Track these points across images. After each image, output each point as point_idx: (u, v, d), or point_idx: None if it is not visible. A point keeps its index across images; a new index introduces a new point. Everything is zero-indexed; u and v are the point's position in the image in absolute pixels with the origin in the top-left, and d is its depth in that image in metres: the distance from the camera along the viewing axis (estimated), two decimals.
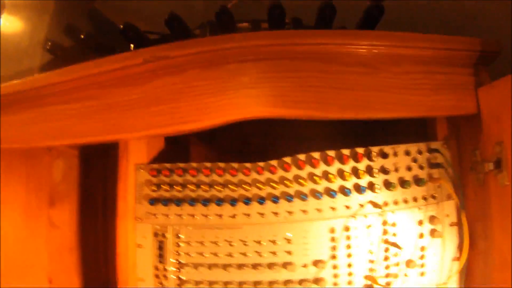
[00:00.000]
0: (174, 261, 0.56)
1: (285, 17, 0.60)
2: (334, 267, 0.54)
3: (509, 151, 0.46)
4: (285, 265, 0.54)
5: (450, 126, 0.56)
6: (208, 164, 0.54)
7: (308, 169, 0.52)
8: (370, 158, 0.52)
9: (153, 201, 0.56)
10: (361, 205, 0.53)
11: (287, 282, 0.54)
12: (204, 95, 0.51)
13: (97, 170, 0.82)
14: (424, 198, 0.54)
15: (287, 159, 0.52)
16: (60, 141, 0.62)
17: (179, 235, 0.56)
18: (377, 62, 0.49)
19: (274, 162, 0.53)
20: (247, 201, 0.52)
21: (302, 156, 0.52)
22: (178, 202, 0.55)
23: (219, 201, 0.53)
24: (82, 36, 0.66)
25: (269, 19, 0.60)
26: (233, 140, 0.75)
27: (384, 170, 0.53)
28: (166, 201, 0.55)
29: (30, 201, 0.71)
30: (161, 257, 0.56)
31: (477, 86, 0.49)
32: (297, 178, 0.52)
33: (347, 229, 0.53)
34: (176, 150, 0.69)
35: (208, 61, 0.50)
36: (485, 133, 0.50)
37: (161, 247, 0.57)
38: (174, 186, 0.55)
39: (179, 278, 0.56)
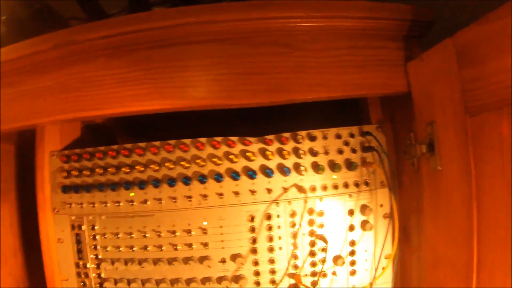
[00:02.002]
0: (93, 256, 0.50)
1: None
2: (255, 263, 0.48)
3: (441, 132, 0.42)
4: (202, 259, 0.48)
5: (385, 109, 0.51)
6: (115, 147, 0.48)
7: (224, 148, 0.47)
8: (296, 141, 0.48)
9: (65, 189, 0.49)
10: (285, 189, 0.48)
11: (205, 280, 0.49)
12: (110, 85, 0.46)
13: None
14: (356, 184, 0.49)
15: (202, 139, 0.47)
16: None
17: (95, 226, 0.50)
18: (291, 39, 0.43)
19: (186, 141, 0.47)
20: (156, 182, 0.46)
21: (218, 138, 0.47)
22: (88, 188, 0.48)
23: (127, 185, 0.47)
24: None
25: None
26: (164, 131, 0.70)
27: (312, 152, 0.48)
28: (76, 188, 0.49)
29: None
30: (80, 252, 0.50)
31: (408, 60, 0.45)
32: (211, 157, 0.47)
33: (268, 217, 0.47)
34: (97, 140, 0.64)
35: (114, 47, 0.45)
36: (417, 113, 0.45)
37: (79, 241, 0.51)
38: (83, 172, 0.48)
39: (99, 276, 0.50)
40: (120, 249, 0.49)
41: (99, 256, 0.49)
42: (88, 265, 0.50)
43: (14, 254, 0.70)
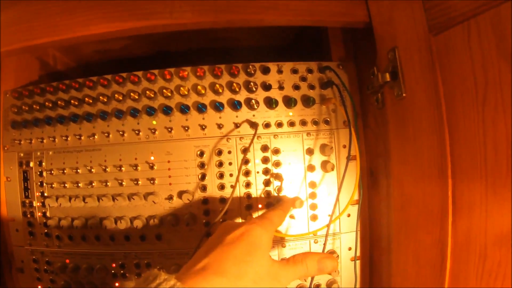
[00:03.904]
0: (38, 194, 0.48)
1: None
2: (204, 202, 0.44)
3: (404, 56, 0.39)
4: (147, 196, 0.45)
5: (347, 45, 0.49)
6: (66, 81, 0.48)
7: (175, 81, 0.46)
8: (248, 74, 0.46)
9: (15, 125, 0.49)
10: (236, 125, 0.45)
11: (150, 218, 0.45)
12: (58, 14, 0.47)
13: None
14: (315, 123, 0.45)
15: (154, 71, 0.46)
16: None
17: (42, 162, 0.48)
18: None
19: (138, 73, 0.46)
20: (103, 115, 0.45)
21: (171, 69, 0.46)
22: (37, 123, 0.47)
23: (75, 117, 0.46)
24: None
25: None
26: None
27: (264, 86, 0.45)
28: (25, 123, 0.48)
29: None
30: (26, 190, 0.49)
31: None
32: (161, 90, 0.45)
33: (219, 153, 0.45)
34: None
35: None
36: (379, 41, 0.43)
37: (26, 179, 0.49)
38: (34, 107, 0.48)
39: (44, 215, 0.48)
40: (66, 185, 0.47)
41: (45, 194, 0.47)
42: (34, 204, 0.48)
43: None
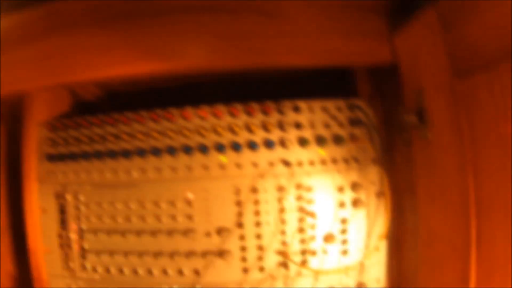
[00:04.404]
0: (76, 227, 0.50)
1: None
2: (241, 237, 0.47)
3: (430, 99, 0.41)
4: (186, 232, 0.47)
5: (374, 83, 0.51)
6: (102, 116, 0.49)
7: (211, 120, 0.47)
8: (281, 112, 0.47)
9: (51, 158, 0.51)
10: (271, 163, 0.47)
11: (189, 253, 0.47)
12: (97, 51, 0.48)
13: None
14: (345, 161, 0.47)
15: (188, 108, 0.48)
16: None
17: (78, 196, 0.50)
18: (273, 7, 0.44)
19: (173, 110, 0.48)
20: (141, 152, 0.47)
21: (205, 107, 0.48)
22: (74, 157, 0.49)
23: (112, 153, 0.48)
24: None
25: None
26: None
27: (297, 125, 0.47)
28: (62, 157, 0.50)
29: None
30: (63, 223, 0.50)
31: (393, 31, 0.45)
32: (198, 129, 0.47)
33: (254, 191, 0.47)
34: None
35: (99, 16, 0.47)
36: (405, 83, 0.45)
37: (62, 211, 0.51)
38: (69, 141, 0.50)
39: (82, 248, 0.50)
40: (103, 219, 0.48)
41: (82, 227, 0.49)
42: (70, 236, 0.49)
43: (3, 232, 0.70)
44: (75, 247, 0.50)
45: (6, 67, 0.53)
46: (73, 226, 0.51)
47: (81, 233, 0.50)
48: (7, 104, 0.58)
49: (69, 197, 0.50)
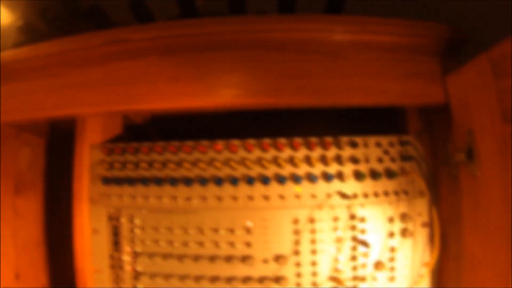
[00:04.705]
0: (129, 249, 0.51)
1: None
2: (297, 264, 0.49)
3: (479, 140, 0.44)
4: (244, 259, 0.49)
5: (422, 119, 0.54)
6: (161, 143, 0.50)
7: (272, 152, 0.49)
8: (339, 146, 0.50)
9: (107, 181, 0.51)
10: (328, 195, 0.49)
11: (246, 279, 0.49)
12: (160, 81, 0.49)
13: (63, 161, 0.78)
14: (396, 193, 0.50)
15: (251, 141, 0.49)
16: (23, 116, 0.59)
17: (134, 219, 0.51)
18: (336, 49, 0.47)
19: (235, 142, 0.49)
20: (203, 181, 0.48)
21: (267, 140, 0.49)
22: (131, 181, 0.50)
23: (173, 181, 0.49)
24: (52, 17, 0.66)
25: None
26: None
27: (353, 159, 0.49)
28: (119, 181, 0.51)
29: None
30: (116, 244, 0.51)
31: (445, 74, 0.48)
32: (260, 160, 0.49)
33: (312, 221, 0.49)
34: (135, 140, 0.66)
35: (164, 47, 0.49)
36: (456, 122, 0.48)
37: (116, 233, 0.52)
38: (127, 165, 0.50)
39: (135, 270, 0.51)
40: (159, 243, 0.50)
41: (136, 250, 0.50)
42: (123, 258, 0.51)
43: (37, 245, 0.70)
44: (128, 268, 0.52)
45: (63, 89, 0.53)
46: (126, 248, 0.52)
47: (135, 255, 0.51)
48: (57, 123, 0.58)
49: (123, 220, 0.51)
